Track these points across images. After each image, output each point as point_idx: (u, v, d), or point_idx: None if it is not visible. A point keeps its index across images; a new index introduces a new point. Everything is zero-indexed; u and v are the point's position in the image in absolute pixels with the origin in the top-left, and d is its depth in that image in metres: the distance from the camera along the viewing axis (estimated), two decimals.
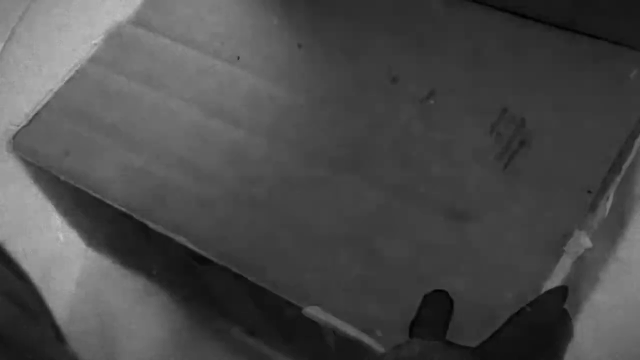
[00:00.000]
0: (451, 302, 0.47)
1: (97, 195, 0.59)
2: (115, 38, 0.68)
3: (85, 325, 0.74)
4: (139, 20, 0.68)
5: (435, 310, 0.47)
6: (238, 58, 0.64)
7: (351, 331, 0.49)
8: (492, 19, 0.61)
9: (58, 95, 0.65)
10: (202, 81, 0.63)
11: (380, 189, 0.54)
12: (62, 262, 0.78)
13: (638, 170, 0.55)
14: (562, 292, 0.44)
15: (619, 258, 0.60)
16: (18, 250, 0.48)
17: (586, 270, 0.55)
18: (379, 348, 0.49)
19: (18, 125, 0.64)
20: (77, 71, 0.66)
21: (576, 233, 0.49)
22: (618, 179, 0.51)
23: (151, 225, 0.57)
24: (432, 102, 0.57)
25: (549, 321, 0.43)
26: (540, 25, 0.60)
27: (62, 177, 0.61)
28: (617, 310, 0.60)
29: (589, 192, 0.51)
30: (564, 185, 0.52)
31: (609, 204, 0.50)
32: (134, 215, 0.58)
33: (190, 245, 0.55)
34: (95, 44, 0.68)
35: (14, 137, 0.63)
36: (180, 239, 0.56)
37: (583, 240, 0.49)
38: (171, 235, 0.56)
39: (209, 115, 0.61)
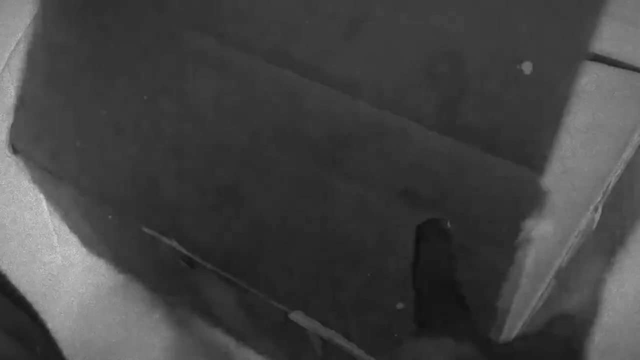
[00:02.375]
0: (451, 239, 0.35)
1: (82, 192, 0.59)
2: None
3: (87, 349, 0.74)
4: None
5: (438, 256, 0.35)
6: None
7: (335, 337, 0.49)
8: None
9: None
10: None
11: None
12: (61, 281, 0.78)
13: (632, 183, 0.54)
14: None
15: (615, 274, 0.60)
16: (15, 272, 0.49)
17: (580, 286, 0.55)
18: (363, 355, 0.48)
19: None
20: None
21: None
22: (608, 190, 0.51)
23: (145, 229, 0.57)
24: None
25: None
26: None
27: (55, 176, 0.62)
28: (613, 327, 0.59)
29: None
30: None
31: (597, 216, 0.49)
32: (126, 217, 0.58)
33: (181, 248, 0.56)
34: None
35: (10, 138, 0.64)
36: (172, 243, 0.56)
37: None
38: (162, 238, 0.56)
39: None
